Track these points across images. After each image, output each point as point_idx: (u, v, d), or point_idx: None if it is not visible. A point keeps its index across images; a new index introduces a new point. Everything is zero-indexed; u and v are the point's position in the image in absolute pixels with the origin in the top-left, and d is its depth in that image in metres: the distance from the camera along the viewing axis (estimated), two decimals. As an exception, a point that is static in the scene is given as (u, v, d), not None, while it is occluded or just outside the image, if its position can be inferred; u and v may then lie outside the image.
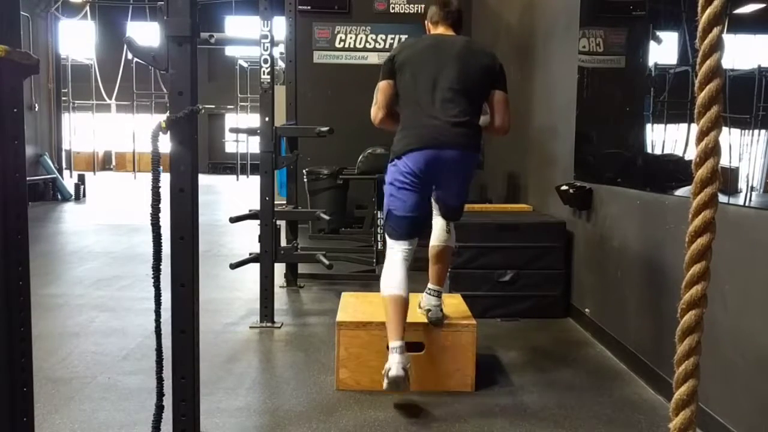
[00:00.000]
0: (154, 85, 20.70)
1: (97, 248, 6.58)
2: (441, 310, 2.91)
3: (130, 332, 3.60)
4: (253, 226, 4.25)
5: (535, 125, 4.97)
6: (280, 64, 9.21)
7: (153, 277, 1.82)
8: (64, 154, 13.45)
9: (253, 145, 19.32)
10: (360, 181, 6.38)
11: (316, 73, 7.93)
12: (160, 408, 1.91)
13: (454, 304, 3.14)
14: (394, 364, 2.51)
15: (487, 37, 7.14)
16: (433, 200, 3.01)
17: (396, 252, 2.79)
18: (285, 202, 5.22)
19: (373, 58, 8.01)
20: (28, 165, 9.20)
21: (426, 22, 2.99)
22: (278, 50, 8.55)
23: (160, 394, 1.90)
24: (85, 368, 3.03)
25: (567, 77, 4.11)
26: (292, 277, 4.86)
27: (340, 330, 2.83)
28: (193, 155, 1.93)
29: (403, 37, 7.96)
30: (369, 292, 3.58)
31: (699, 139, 0.92)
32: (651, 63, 3.24)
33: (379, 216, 5.26)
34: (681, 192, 2.82)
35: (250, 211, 4.59)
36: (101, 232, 7.81)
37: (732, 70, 2.44)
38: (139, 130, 19.58)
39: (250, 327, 3.76)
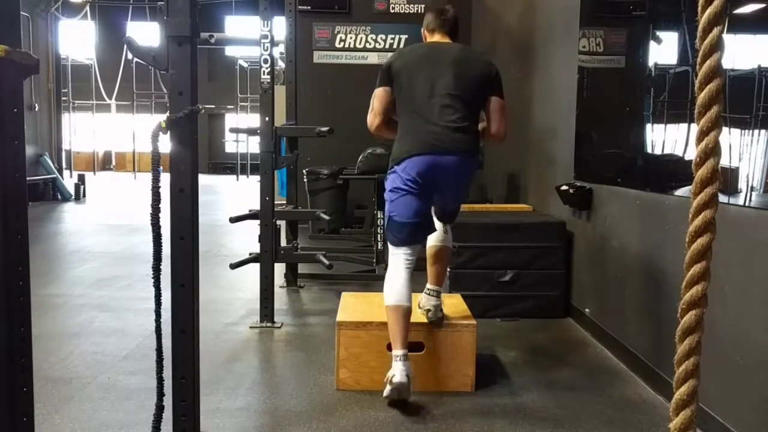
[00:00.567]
0: (154, 85, 20.69)
1: (97, 248, 6.57)
2: (441, 310, 2.92)
3: (130, 332, 3.60)
4: (253, 226, 4.25)
5: (535, 125, 4.97)
6: (280, 64, 9.21)
7: (153, 277, 1.82)
8: (64, 154, 13.45)
9: (253, 145, 19.34)
10: (360, 181, 6.38)
11: (316, 73, 7.92)
12: (160, 408, 1.91)
13: (454, 304, 3.14)
14: (398, 372, 2.57)
15: (487, 38, 7.14)
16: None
17: (398, 258, 2.79)
18: (285, 202, 5.22)
19: (373, 58, 8.01)
20: (28, 165, 9.19)
21: (422, 30, 3.00)
22: (278, 50, 8.54)
23: (160, 394, 1.90)
24: (85, 368, 3.03)
25: (567, 77, 4.11)
26: (292, 277, 4.86)
27: (340, 330, 2.83)
28: (193, 155, 1.93)
29: (403, 37, 7.98)
30: (369, 292, 3.59)
31: (699, 139, 0.92)
32: (651, 63, 3.23)
33: (379, 216, 5.26)
34: (681, 192, 2.82)
35: (250, 211, 4.59)
36: (101, 232, 7.81)
37: (732, 70, 2.44)
38: (139, 130, 19.56)
39: (250, 327, 3.76)
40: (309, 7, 8.02)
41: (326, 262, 4.30)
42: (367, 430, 2.43)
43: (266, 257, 3.88)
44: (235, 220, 4.42)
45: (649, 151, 3.29)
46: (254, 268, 4.06)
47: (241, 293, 4.60)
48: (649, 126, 3.35)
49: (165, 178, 1.87)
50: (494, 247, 4.00)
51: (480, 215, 4.37)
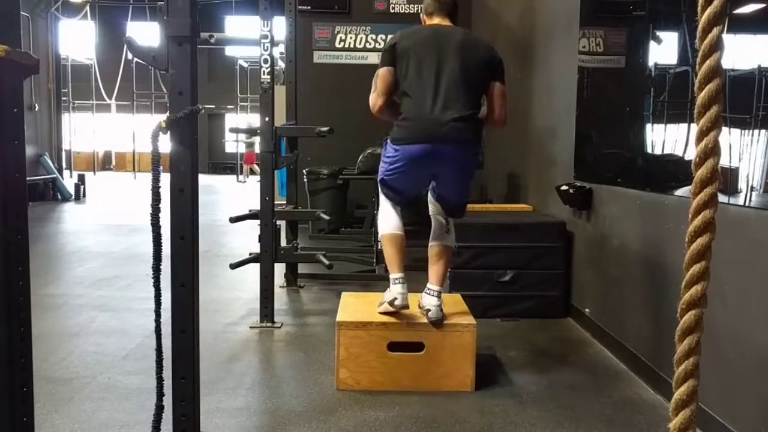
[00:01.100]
0: (154, 85, 20.70)
1: (97, 248, 6.57)
2: (441, 310, 2.91)
3: (130, 332, 3.60)
4: (253, 226, 4.24)
5: (535, 125, 4.97)
6: (280, 64, 9.20)
7: (153, 277, 1.82)
8: (64, 154, 13.45)
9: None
10: (360, 181, 6.38)
11: (316, 73, 7.92)
12: (160, 408, 1.91)
13: (454, 304, 3.14)
14: (398, 294, 2.83)
15: (487, 38, 7.12)
16: (434, 199, 3.02)
17: (389, 203, 3.03)
18: (285, 202, 5.22)
19: (373, 58, 8.00)
20: (28, 165, 9.19)
21: (421, 14, 2.99)
22: (278, 50, 8.55)
23: (160, 394, 1.90)
24: (85, 368, 3.03)
25: (567, 77, 4.11)
26: (292, 277, 4.86)
27: (340, 330, 2.83)
28: (193, 155, 1.93)
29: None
30: (369, 292, 3.58)
31: (699, 139, 0.92)
32: (651, 63, 3.24)
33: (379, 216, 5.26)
34: (681, 192, 2.82)
35: (250, 211, 4.59)
36: (101, 232, 7.80)
37: (732, 70, 2.44)
38: (139, 130, 19.57)
39: (250, 327, 3.76)
40: (309, 7, 8.02)
41: (326, 262, 4.30)
42: (367, 430, 2.43)
43: (266, 257, 3.88)
44: (235, 220, 4.42)
45: (649, 151, 3.29)
46: (254, 268, 4.06)
47: (241, 293, 4.60)
48: (649, 126, 3.35)
49: (165, 178, 1.87)
50: (494, 247, 3.99)
51: (480, 215, 4.36)
